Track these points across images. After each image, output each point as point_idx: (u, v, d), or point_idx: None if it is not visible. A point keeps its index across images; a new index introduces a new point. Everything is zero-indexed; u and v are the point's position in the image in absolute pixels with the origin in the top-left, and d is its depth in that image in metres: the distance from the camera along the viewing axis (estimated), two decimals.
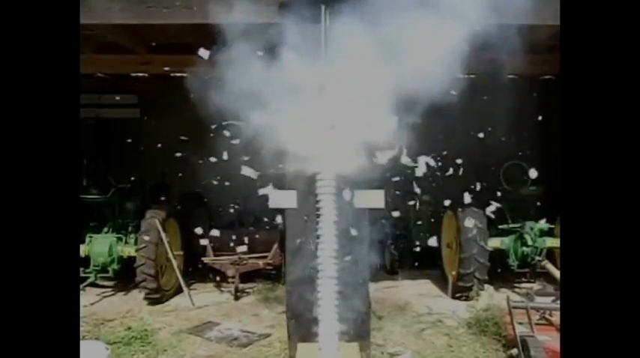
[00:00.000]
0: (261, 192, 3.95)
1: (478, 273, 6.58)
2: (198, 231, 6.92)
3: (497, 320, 5.52)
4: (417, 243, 7.90)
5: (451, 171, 5.53)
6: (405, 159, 3.85)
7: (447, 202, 6.98)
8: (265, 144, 3.71)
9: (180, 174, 8.22)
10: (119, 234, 7.33)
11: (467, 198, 6.51)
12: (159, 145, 8.01)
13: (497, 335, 5.37)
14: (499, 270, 7.09)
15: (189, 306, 6.70)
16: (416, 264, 7.93)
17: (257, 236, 7.53)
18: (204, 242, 7.20)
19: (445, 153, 5.36)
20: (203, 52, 3.85)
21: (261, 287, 7.26)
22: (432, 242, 6.30)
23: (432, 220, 7.93)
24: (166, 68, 6.51)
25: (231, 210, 7.98)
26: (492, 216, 6.69)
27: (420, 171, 4.03)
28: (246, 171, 3.95)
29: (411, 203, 7.16)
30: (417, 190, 5.19)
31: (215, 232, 7.11)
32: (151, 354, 5.25)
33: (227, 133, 4.23)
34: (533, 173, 5.48)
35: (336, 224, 3.54)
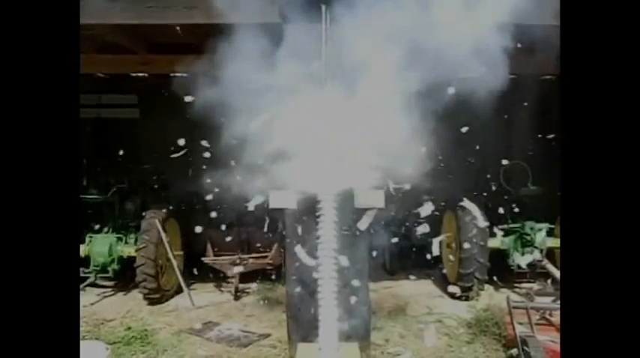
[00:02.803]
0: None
1: (478, 273, 6.59)
2: (199, 230, 6.92)
3: (497, 320, 5.53)
4: (417, 243, 7.89)
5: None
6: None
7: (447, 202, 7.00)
8: (264, 146, 3.71)
9: (180, 174, 8.21)
10: (119, 234, 7.33)
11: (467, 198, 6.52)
12: (159, 145, 7.99)
13: (497, 335, 5.37)
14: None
15: (189, 306, 6.71)
16: (416, 264, 7.92)
17: (257, 236, 7.53)
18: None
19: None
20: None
21: (261, 287, 7.27)
22: (433, 243, 6.30)
23: (432, 220, 7.92)
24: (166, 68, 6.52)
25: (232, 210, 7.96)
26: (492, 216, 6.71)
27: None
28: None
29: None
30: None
31: (215, 232, 7.12)
32: (151, 354, 5.25)
33: (226, 133, 4.23)
34: None
35: (336, 224, 3.54)
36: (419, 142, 3.69)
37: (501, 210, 7.35)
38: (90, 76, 7.82)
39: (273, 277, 7.41)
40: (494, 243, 6.98)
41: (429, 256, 7.64)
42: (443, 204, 7.03)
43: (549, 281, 6.13)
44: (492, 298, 6.48)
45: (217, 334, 5.82)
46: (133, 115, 9.07)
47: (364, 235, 4.03)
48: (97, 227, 7.39)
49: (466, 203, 6.83)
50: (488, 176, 7.59)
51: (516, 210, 7.41)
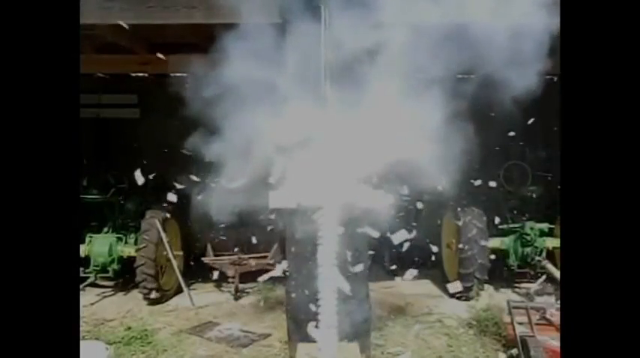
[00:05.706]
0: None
1: (478, 273, 6.58)
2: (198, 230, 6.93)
3: (497, 320, 5.53)
4: (417, 243, 7.87)
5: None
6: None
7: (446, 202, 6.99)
8: (264, 146, 3.71)
9: (180, 174, 8.20)
10: (119, 234, 7.32)
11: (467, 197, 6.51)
12: (159, 145, 7.99)
13: (497, 335, 5.37)
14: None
15: (189, 306, 6.70)
16: (416, 264, 7.90)
17: (257, 236, 7.51)
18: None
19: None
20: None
21: (261, 287, 7.26)
22: (433, 243, 6.30)
23: (432, 220, 7.91)
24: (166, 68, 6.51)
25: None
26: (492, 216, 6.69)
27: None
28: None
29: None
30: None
31: (215, 232, 7.11)
32: (151, 354, 5.26)
33: (226, 133, 4.23)
34: None
35: (336, 224, 3.54)
36: (420, 143, 3.70)
37: (501, 210, 7.34)
38: (90, 76, 7.81)
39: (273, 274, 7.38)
40: (494, 243, 6.97)
41: (428, 256, 7.66)
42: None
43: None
44: (492, 298, 6.48)
45: (217, 334, 5.82)
46: (133, 115, 9.06)
47: (364, 235, 4.04)
48: (97, 227, 7.39)
49: (466, 203, 6.85)
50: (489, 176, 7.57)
51: (516, 210, 7.42)
